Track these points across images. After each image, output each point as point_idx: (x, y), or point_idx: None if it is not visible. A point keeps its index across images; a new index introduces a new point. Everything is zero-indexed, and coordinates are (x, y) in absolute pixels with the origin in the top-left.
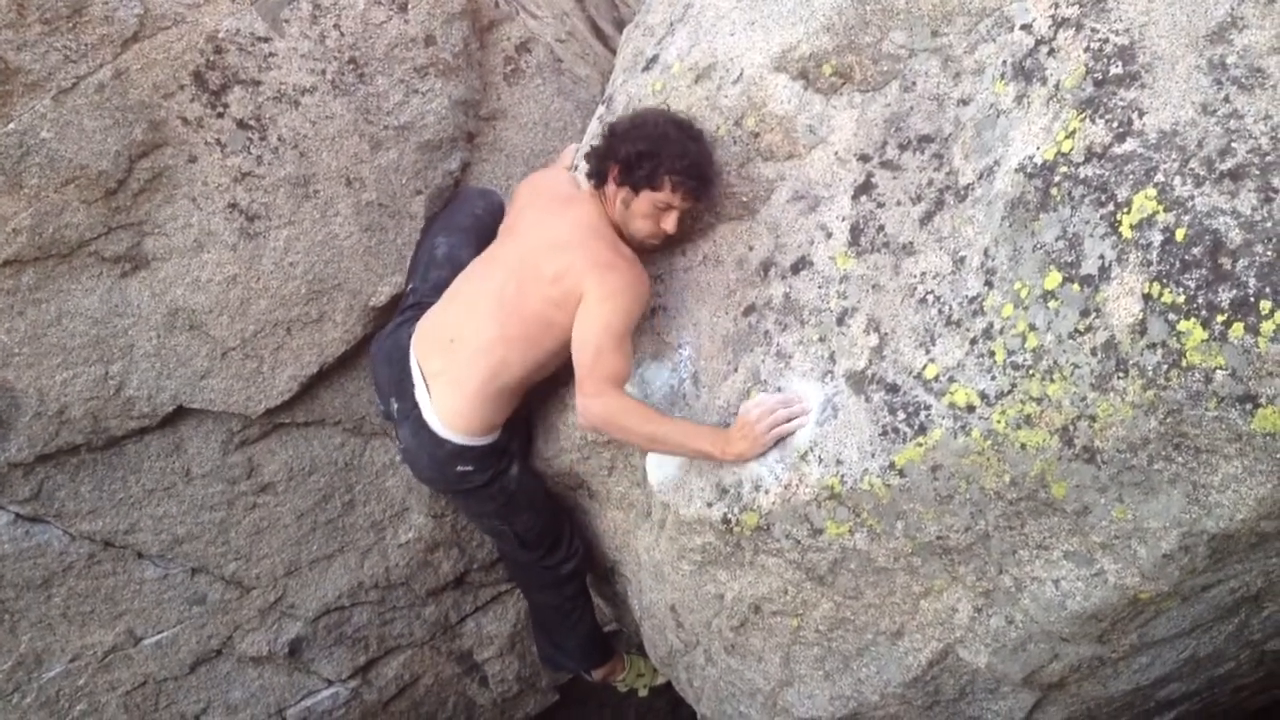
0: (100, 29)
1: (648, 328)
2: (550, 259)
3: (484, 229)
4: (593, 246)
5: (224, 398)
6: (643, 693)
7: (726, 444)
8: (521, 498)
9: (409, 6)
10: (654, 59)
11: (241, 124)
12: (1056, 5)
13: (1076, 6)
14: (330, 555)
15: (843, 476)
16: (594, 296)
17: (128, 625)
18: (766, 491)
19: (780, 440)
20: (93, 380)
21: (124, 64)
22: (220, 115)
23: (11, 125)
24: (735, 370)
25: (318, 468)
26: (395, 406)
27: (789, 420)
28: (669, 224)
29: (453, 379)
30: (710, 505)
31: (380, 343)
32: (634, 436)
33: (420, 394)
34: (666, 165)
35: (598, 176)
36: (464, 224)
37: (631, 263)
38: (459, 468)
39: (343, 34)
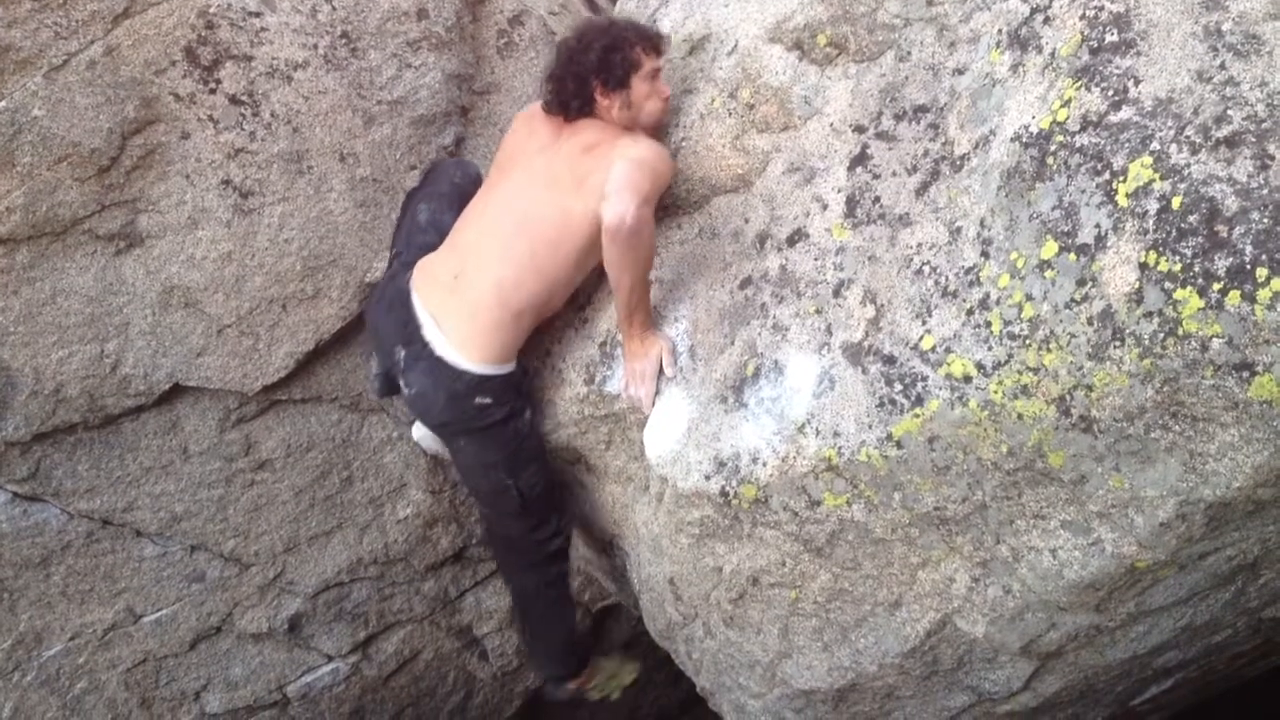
0: (91, 5)
1: None
2: (572, 165)
3: (464, 195)
4: (617, 141)
5: (220, 375)
6: (615, 696)
7: (631, 342)
8: (531, 446)
9: None
10: None
11: (234, 100)
12: None
13: None
14: (329, 531)
15: (840, 448)
16: (623, 156)
17: (127, 603)
18: (764, 464)
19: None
20: (89, 359)
21: (115, 40)
22: (213, 91)
23: (3, 103)
24: (732, 343)
25: (315, 444)
26: (402, 355)
27: (645, 389)
28: (662, 86)
29: (464, 310)
30: (708, 478)
31: (378, 295)
32: (637, 261)
33: (430, 332)
34: (629, 42)
35: (581, 100)
36: (444, 190)
37: (653, 146)
38: (478, 400)
39: (335, 8)
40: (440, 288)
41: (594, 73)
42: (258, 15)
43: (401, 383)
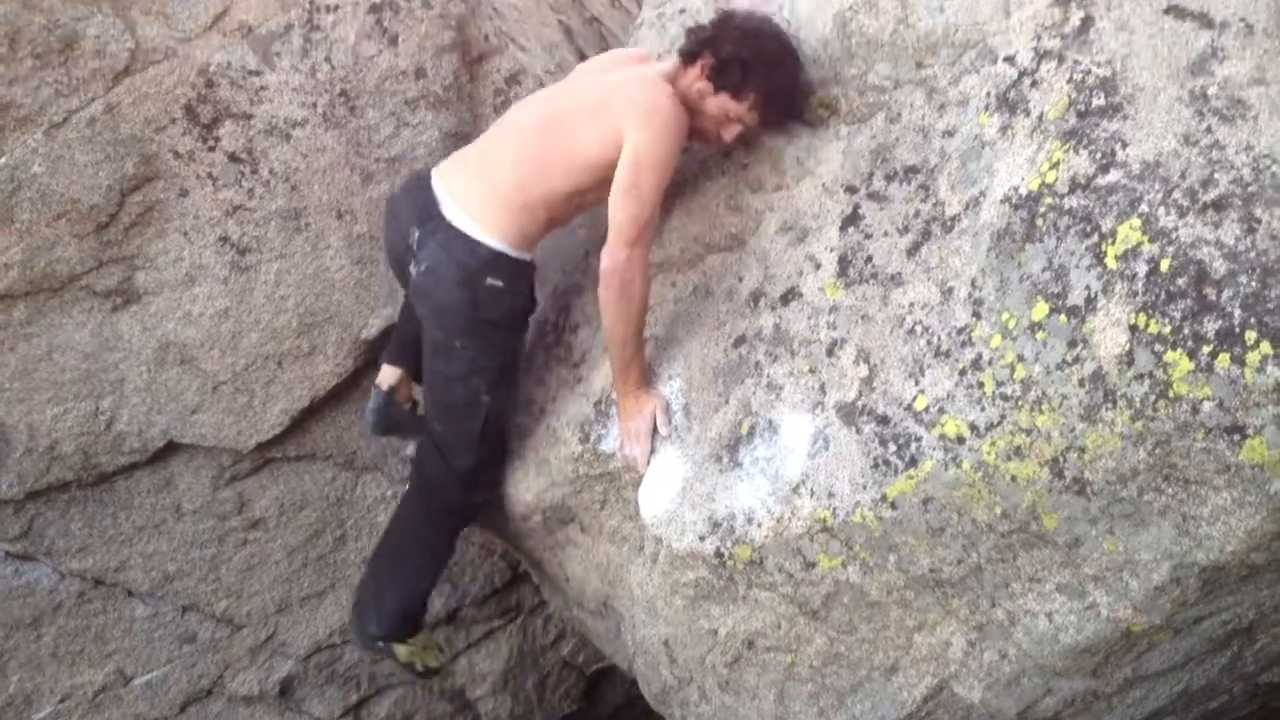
0: (92, 63)
1: None
2: (596, 92)
3: None
4: (643, 88)
5: (215, 432)
6: (417, 666)
7: (625, 403)
8: (514, 367)
9: (399, 40)
10: None
11: (233, 157)
12: (1039, 38)
13: (1058, 39)
14: (321, 592)
15: (835, 509)
16: (636, 155)
17: (118, 664)
18: (759, 525)
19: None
20: (83, 416)
21: (115, 98)
22: (212, 149)
23: (3, 160)
24: (726, 402)
25: (309, 503)
26: (416, 234)
27: (640, 448)
28: (729, 134)
29: (485, 188)
30: (703, 539)
31: (402, 184)
32: (628, 311)
33: (448, 208)
34: (757, 84)
35: (688, 56)
36: None
37: (677, 113)
38: (489, 280)
39: (334, 67)
40: (465, 171)
41: (716, 54)
42: (258, 74)
43: (412, 266)
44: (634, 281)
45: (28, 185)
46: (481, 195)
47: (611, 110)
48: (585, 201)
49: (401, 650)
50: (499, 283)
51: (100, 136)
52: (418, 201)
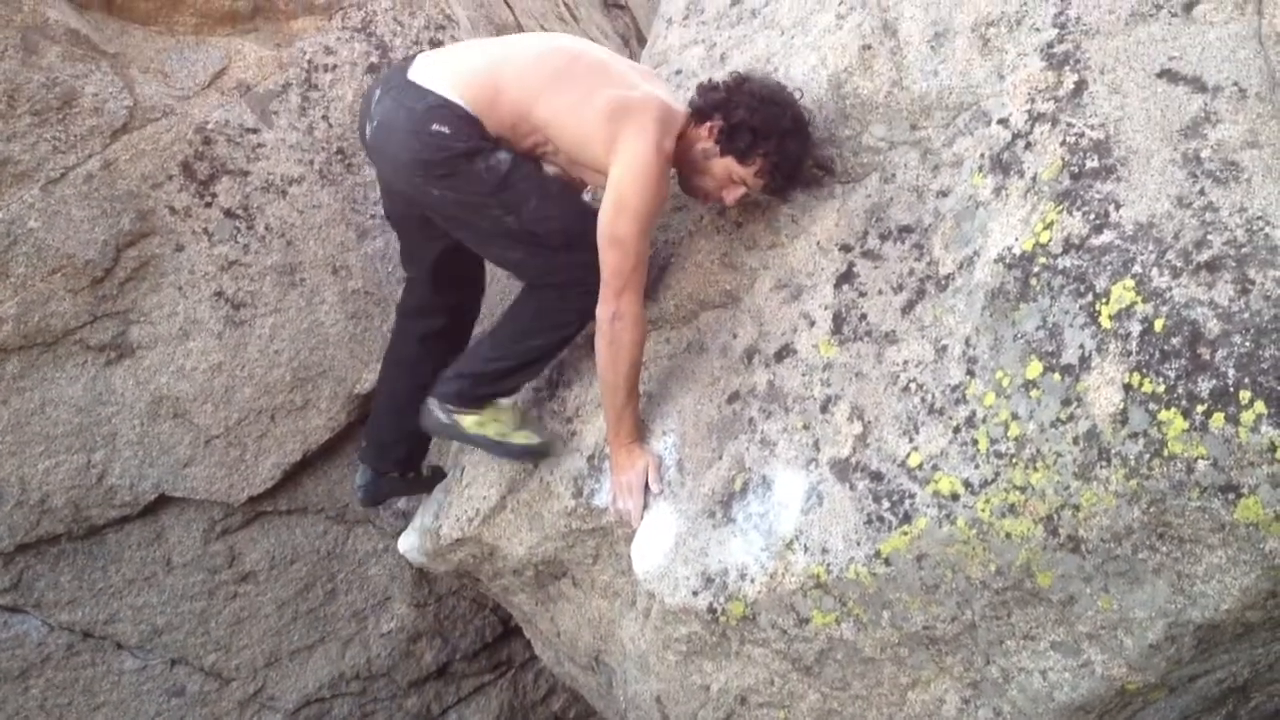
0: (90, 120)
1: None
2: (623, 90)
3: None
4: (652, 134)
5: (206, 486)
6: (493, 437)
7: (618, 453)
8: (521, 181)
9: None
10: None
11: (229, 213)
12: (1032, 100)
13: (1052, 102)
14: (311, 645)
15: (828, 565)
16: (618, 191)
17: (106, 717)
18: (752, 580)
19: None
20: (75, 469)
21: (113, 155)
22: (208, 205)
23: (0, 215)
24: (720, 458)
25: (300, 556)
26: (376, 95)
27: (632, 502)
28: (731, 197)
29: (467, 60)
30: (696, 594)
31: None
32: (615, 358)
33: (414, 71)
34: (765, 152)
35: (699, 115)
36: None
37: (662, 165)
38: (434, 126)
39: (331, 125)
40: (445, 50)
41: (722, 118)
42: (255, 132)
43: (368, 126)
44: (623, 330)
45: (23, 240)
46: (463, 65)
47: (624, 129)
48: (539, 149)
49: (468, 421)
50: (444, 129)
51: (97, 192)
52: (389, 74)
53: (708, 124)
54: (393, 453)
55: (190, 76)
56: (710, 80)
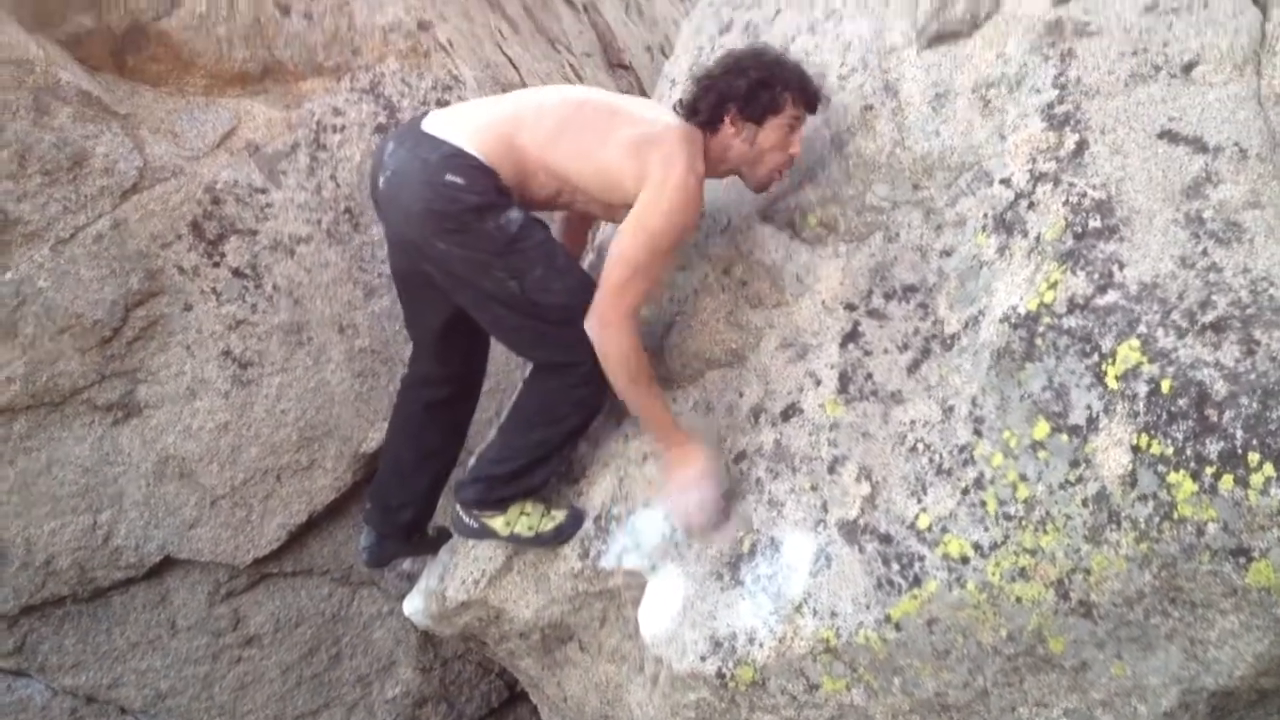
0: (100, 180)
1: (639, 475)
2: (636, 124)
3: None
4: (683, 157)
5: (212, 547)
6: (526, 534)
7: (671, 453)
8: (529, 246)
9: None
10: None
11: (237, 272)
12: (1034, 161)
13: (1054, 162)
14: (316, 710)
15: (838, 629)
16: (642, 212)
17: None
18: (761, 645)
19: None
20: (81, 530)
21: (122, 214)
22: (217, 264)
23: (9, 275)
24: (728, 519)
25: (305, 619)
26: (390, 148)
27: (694, 501)
28: (797, 144)
29: (479, 112)
30: (704, 659)
31: None
32: (619, 370)
33: (428, 124)
34: (785, 84)
35: (712, 115)
36: None
37: (697, 187)
38: (448, 176)
39: (339, 184)
40: (462, 109)
41: (735, 98)
42: (264, 191)
43: (380, 178)
44: (611, 339)
45: (33, 300)
46: (476, 120)
47: (650, 159)
48: (563, 197)
49: (497, 524)
50: (459, 179)
51: (106, 252)
52: (401, 129)
53: (725, 118)
54: (397, 516)
55: (200, 137)
56: (685, 96)
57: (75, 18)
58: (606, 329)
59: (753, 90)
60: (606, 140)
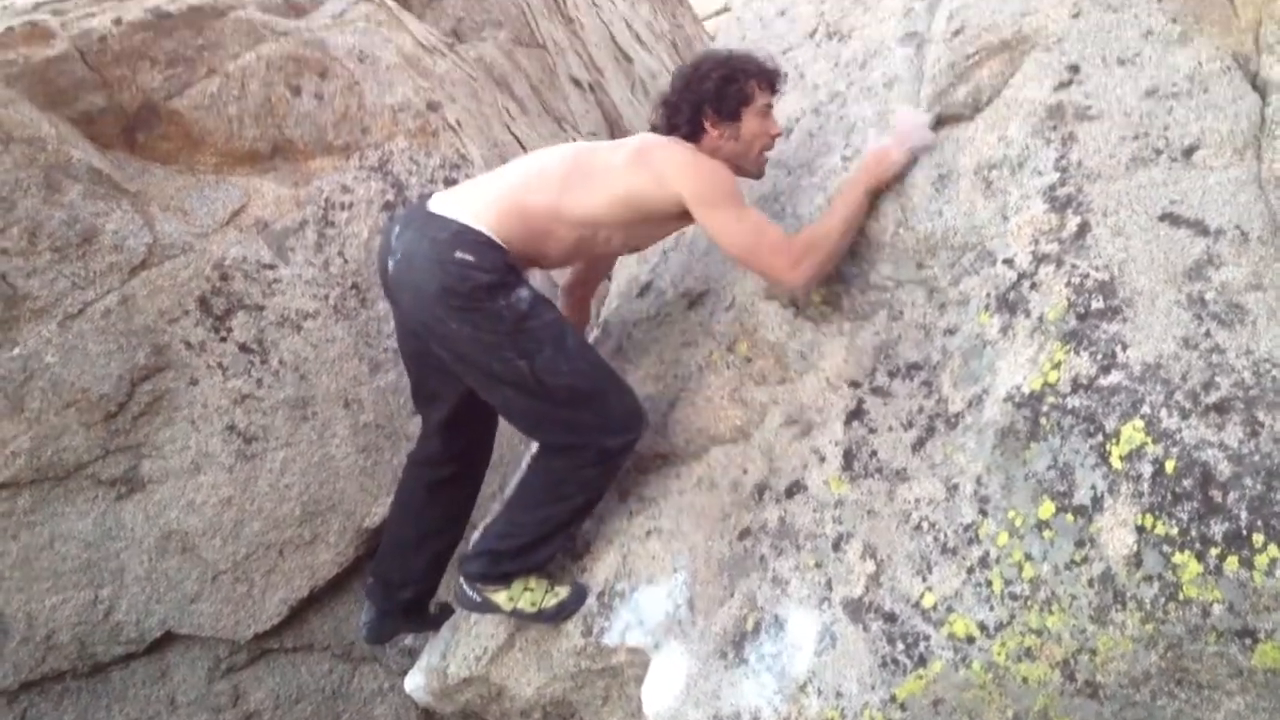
0: (109, 257)
1: (643, 551)
2: (623, 148)
3: None
4: (671, 145)
5: (213, 622)
6: (529, 610)
7: (874, 177)
8: (539, 327)
9: None
10: (648, 285)
11: (244, 347)
12: (1036, 242)
13: (1056, 243)
14: None
15: (843, 710)
16: (697, 195)
17: None
18: None
19: (914, 154)
20: (82, 605)
21: (131, 290)
22: (223, 339)
23: (17, 350)
24: (732, 595)
25: (305, 695)
26: (396, 231)
27: (921, 142)
28: (773, 124)
29: (483, 189)
30: None
31: None
32: (834, 256)
33: (434, 204)
34: (745, 74)
35: (692, 126)
36: None
37: (702, 155)
38: (459, 254)
39: (346, 260)
40: (466, 187)
41: (708, 101)
42: (272, 267)
43: (389, 261)
44: (813, 267)
45: (39, 374)
46: (482, 195)
47: (651, 162)
48: (584, 244)
49: (500, 598)
50: (469, 256)
51: (114, 327)
52: (408, 212)
53: (705, 122)
54: (398, 594)
55: (210, 214)
56: (658, 120)
57: (87, 96)
58: (800, 268)
59: (720, 89)
60: (610, 171)
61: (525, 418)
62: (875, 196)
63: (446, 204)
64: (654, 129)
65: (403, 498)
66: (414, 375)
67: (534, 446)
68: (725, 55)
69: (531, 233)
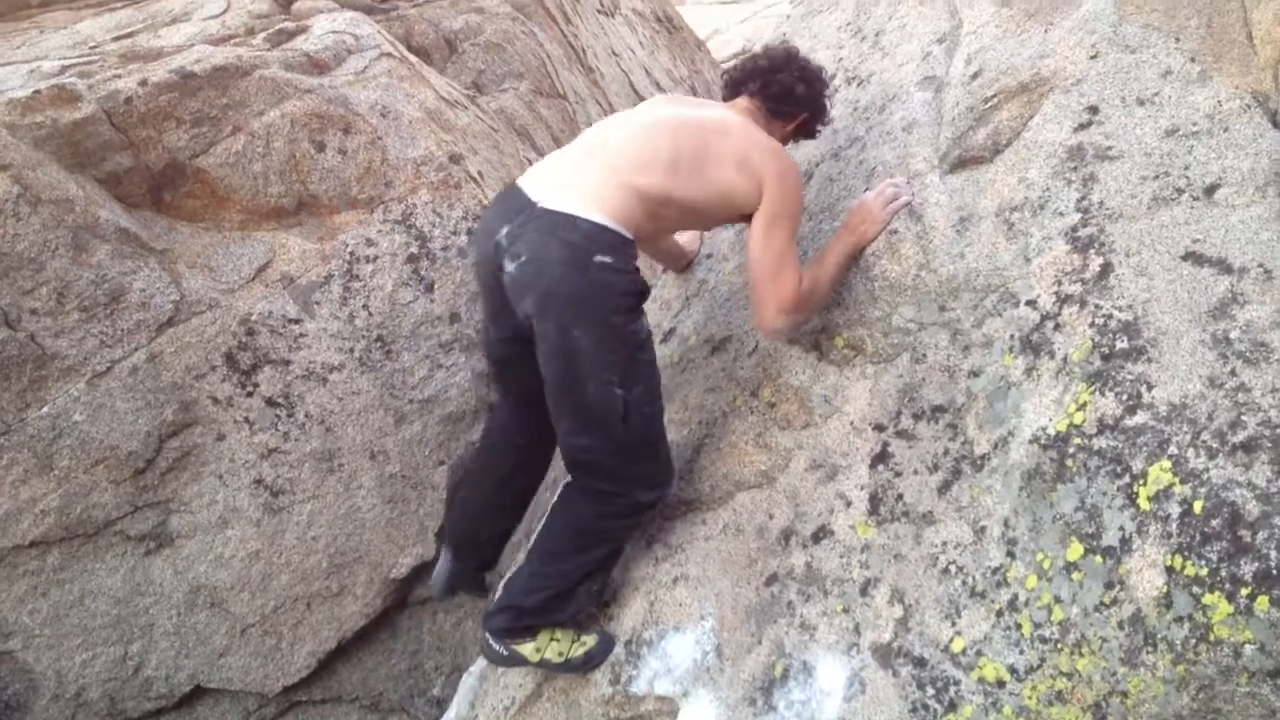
0: (137, 315)
1: (670, 599)
2: (725, 136)
3: None
4: (766, 143)
5: (242, 676)
6: (556, 660)
7: (859, 236)
8: (646, 362)
9: (435, 287)
10: (671, 331)
11: (270, 402)
12: (1059, 283)
13: (1079, 284)
14: None
15: None
16: (771, 211)
17: None
18: None
19: (896, 214)
20: (112, 661)
21: (158, 347)
22: (250, 394)
23: (45, 409)
24: (759, 642)
25: None
26: (505, 232)
27: (897, 198)
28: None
29: (590, 171)
30: None
31: (490, 204)
32: (816, 309)
33: (543, 196)
34: (821, 110)
35: (783, 115)
36: None
37: (795, 168)
38: (598, 257)
39: (371, 314)
40: (559, 166)
41: (811, 110)
42: (297, 322)
43: (507, 262)
44: (791, 316)
45: (68, 433)
46: (588, 177)
47: (753, 166)
48: (680, 216)
49: (527, 650)
50: (608, 259)
51: (142, 385)
52: (506, 205)
53: (799, 117)
54: (484, 551)
55: (236, 270)
56: (772, 88)
57: (114, 157)
58: (791, 314)
59: (817, 99)
60: (718, 162)
61: (588, 450)
62: (858, 254)
63: (558, 195)
64: (751, 95)
65: (487, 461)
66: (498, 366)
67: (558, 493)
68: (820, 69)
69: (645, 215)
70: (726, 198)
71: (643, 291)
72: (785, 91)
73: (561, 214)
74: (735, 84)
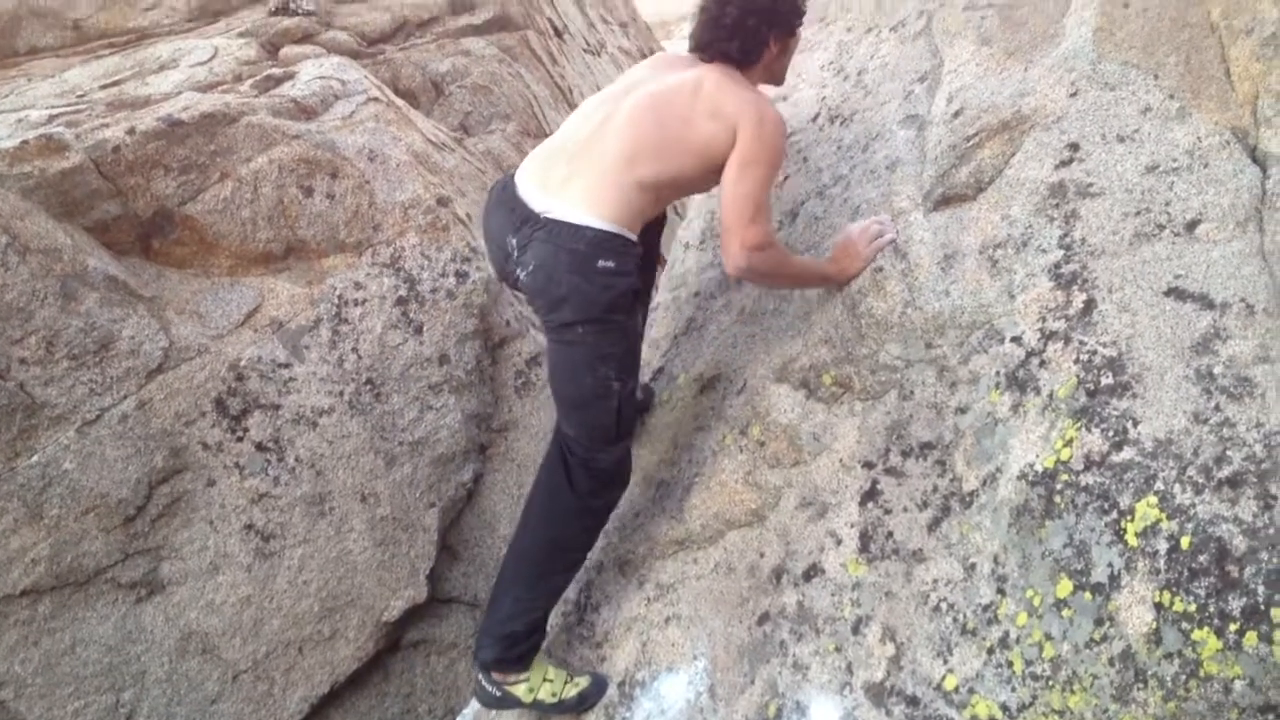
0: (126, 362)
1: (662, 639)
2: (697, 95)
3: None
4: (749, 94)
5: None
6: (550, 701)
7: (841, 269)
8: (636, 352)
9: (424, 329)
10: (660, 370)
11: (260, 446)
12: (1043, 319)
13: (1063, 320)
14: None
15: None
16: (744, 154)
17: None
18: None
19: (880, 251)
20: (104, 709)
21: (148, 394)
22: (240, 439)
23: (35, 458)
24: (752, 682)
25: None
26: (514, 242)
27: (882, 235)
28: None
29: (589, 171)
30: None
31: (488, 200)
32: (778, 281)
33: (543, 204)
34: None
35: (757, 54)
36: None
37: (776, 117)
38: (601, 262)
39: (360, 357)
40: (552, 164)
41: (772, 23)
42: (287, 366)
43: (518, 271)
44: (762, 269)
45: (58, 482)
46: (585, 180)
47: (725, 113)
48: (678, 189)
49: (520, 690)
50: (610, 263)
51: (131, 432)
52: (509, 211)
53: (770, 39)
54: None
55: (225, 316)
56: (719, 46)
57: (102, 205)
58: (760, 251)
59: (787, 11)
60: (695, 122)
61: (564, 384)
62: (836, 284)
63: (561, 204)
64: (719, 55)
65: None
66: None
67: (533, 513)
68: None
69: (648, 202)
70: (708, 152)
71: (640, 289)
72: (733, 31)
73: (566, 224)
74: (700, 51)
